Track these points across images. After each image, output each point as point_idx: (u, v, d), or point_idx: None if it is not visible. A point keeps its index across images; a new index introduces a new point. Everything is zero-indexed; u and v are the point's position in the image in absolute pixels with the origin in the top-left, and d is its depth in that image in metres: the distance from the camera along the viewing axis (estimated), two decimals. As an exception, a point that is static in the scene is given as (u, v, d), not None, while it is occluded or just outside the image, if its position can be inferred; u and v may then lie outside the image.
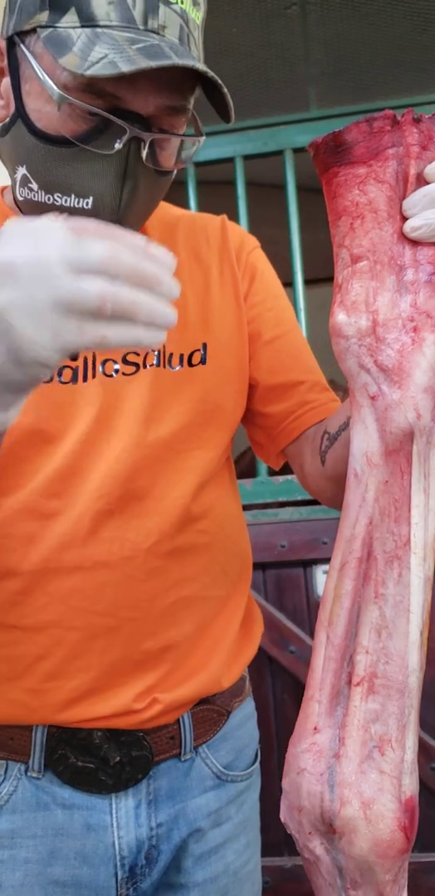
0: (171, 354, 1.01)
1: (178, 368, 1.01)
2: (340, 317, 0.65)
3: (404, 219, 0.65)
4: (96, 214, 0.87)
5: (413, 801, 0.68)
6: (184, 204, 2.45)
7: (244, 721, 1.12)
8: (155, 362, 1.00)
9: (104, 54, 0.79)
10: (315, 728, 0.69)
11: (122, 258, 0.59)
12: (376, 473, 0.66)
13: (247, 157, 2.66)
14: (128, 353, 0.99)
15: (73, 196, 0.87)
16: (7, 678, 0.96)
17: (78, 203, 0.87)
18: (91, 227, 0.60)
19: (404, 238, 0.64)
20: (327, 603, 0.70)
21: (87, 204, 0.87)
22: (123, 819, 0.99)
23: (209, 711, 1.06)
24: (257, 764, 1.14)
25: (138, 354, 0.99)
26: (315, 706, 0.70)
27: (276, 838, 1.98)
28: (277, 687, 2.21)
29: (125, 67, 0.77)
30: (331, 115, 2.68)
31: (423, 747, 2.19)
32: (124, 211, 0.88)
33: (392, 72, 3.47)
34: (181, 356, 1.02)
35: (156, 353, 1.00)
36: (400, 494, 0.66)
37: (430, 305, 0.63)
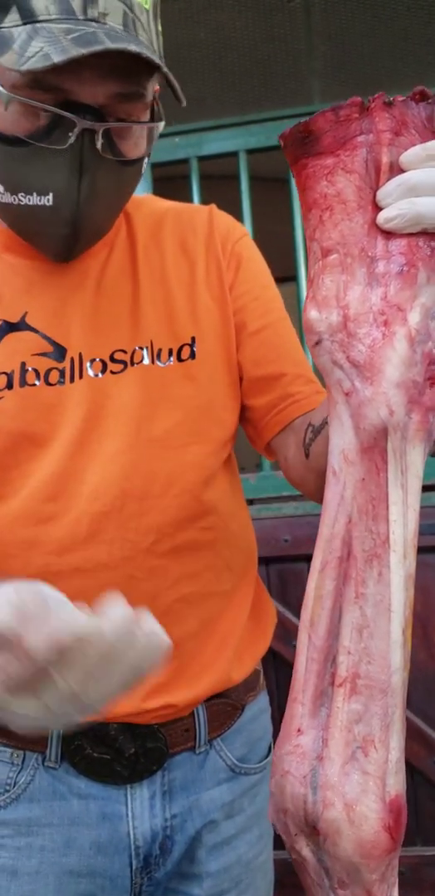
0: (159, 350, 1.01)
1: (167, 363, 1.01)
2: (311, 313, 0.64)
3: (377, 208, 0.63)
4: (58, 210, 0.89)
5: (398, 800, 0.67)
6: (187, 198, 2.44)
7: (258, 714, 1.14)
8: (145, 359, 0.99)
9: (40, 48, 0.80)
10: (298, 730, 0.69)
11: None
12: (353, 471, 0.65)
13: (250, 152, 2.65)
14: (115, 352, 0.99)
15: (35, 194, 0.89)
16: None
17: (40, 201, 0.89)
18: None
19: (376, 229, 0.62)
20: (308, 603, 0.70)
21: (48, 201, 0.89)
22: (138, 809, 1.00)
23: (223, 705, 1.07)
24: (271, 757, 1.15)
25: (126, 352, 0.99)
26: (298, 708, 0.69)
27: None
28: (281, 681, 2.20)
29: (57, 58, 0.78)
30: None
31: (425, 741, 2.18)
32: (85, 204, 0.89)
33: (396, 65, 3.47)
34: (170, 350, 1.02)
35: (144, 348, 1.00)
36: (377, 492, 0.64)
37: (401, 298, 0.61)
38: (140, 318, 1.02)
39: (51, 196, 0.88)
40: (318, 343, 0.65)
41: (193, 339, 1.03)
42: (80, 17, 0.82)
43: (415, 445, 0.64)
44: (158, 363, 1.00)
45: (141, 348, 1.00)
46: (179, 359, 1.02)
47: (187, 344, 1.03)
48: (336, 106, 0.61)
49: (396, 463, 0.64)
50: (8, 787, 0.99)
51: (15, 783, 0.99)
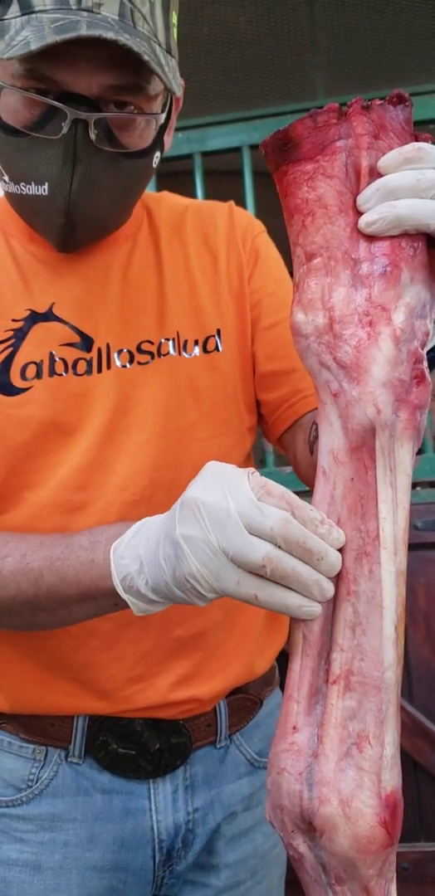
0: (185, 340, 1.02)
1: (193, 355, 1.02)
2: (298, 316, 0.65)
3: (359, 212, 0.63)
4: (52, 199, 0.89)
5: (394, 795, 0.67)
6: (191, 193, 2.45)
7: (274, 709, 1.15)
8: (171, 350, 1.01)
9: (24, 37, 0.80)
10: (294, 727, 0.69)
11: (292, 531, 0.63)
12: (343, 471, 0.66)
13: (254, 147, 2.64)
14: (142, 342, 1.00)
15: (33, 184, 0.89)
16: (47, 669, 0.99)
17: (37, 190, 0.90)
18: (275, 491, 0.64)
19: (358, 231, 0.63)
20: (302, 601, 0.70)
21: (44, 191, 0.89)
22: (162, 803, 1.02)
23: (243, 700, 1.08)
24: None
25: (152, 343, 1.00)
26: (294, 706, 0.69)
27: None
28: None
29: (34, 45, 0.78)
30: (338, 103, 2.65)
31: (428, 737, 2.18)
32: (78, 194, 0.89)
33: (400, 59, 3.46)
34: (196, 342, 1.03)
35: (171, 340, 1.01)
36: (366, 491, 0.65)
37: (384, 298, 0.62)
38: (166, 310, 1.03)
39: (46, 186, 0.89)
40: (305, 346, 0.65)
41: (219, 331, 1.05)
42: (74, 7, 0.82)
43: (403, 443, 0.65)
44: (184, 354, 1.02)
45: (167, 340, 1.01)
46: (205, 350, 1.03)
47: (213, 335, 1.04)
48: (314, 112, 0.62)
49: (385, 461, 0.64)
50: (30, 783, 1.00)
51: (37, 779, 1.00)
